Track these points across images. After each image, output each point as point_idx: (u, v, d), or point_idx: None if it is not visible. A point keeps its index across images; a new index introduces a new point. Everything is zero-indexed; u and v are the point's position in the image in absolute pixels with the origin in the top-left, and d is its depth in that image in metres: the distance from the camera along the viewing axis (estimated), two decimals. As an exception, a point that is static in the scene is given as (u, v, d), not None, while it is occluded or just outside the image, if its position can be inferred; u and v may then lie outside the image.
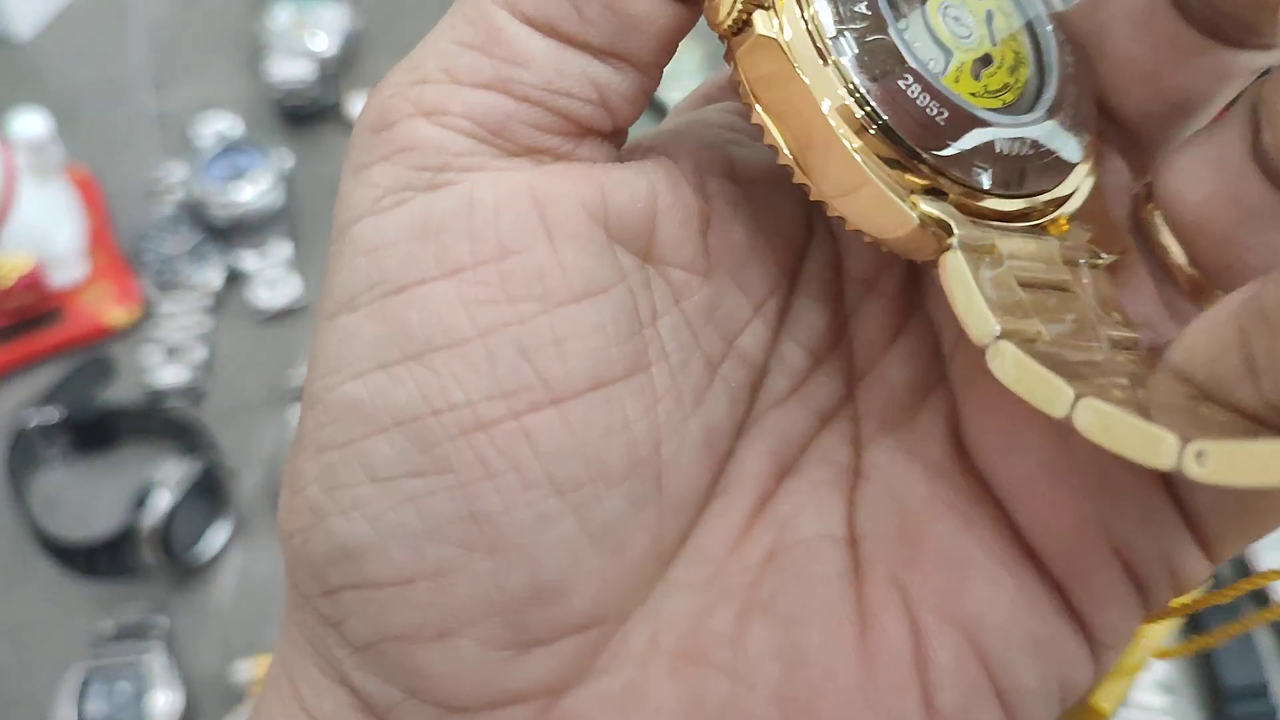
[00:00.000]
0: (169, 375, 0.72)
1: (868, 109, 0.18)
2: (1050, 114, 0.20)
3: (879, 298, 0.22)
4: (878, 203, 0.19)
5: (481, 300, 0.18)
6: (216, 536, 0.66)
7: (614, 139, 0.21)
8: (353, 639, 0.20)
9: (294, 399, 0.71)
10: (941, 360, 0.22)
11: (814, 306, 0.22)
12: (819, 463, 0.22)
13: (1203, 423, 0.16)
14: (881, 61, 0.19)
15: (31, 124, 0.73)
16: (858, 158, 0.19)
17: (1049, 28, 0.21)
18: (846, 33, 0.19)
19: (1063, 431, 0.18)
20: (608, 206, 0.19)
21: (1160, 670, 0.56)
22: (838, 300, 0.23)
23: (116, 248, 0.77)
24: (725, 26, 0.19)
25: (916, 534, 0.20)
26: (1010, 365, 0.17)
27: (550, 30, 0.19)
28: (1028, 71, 0.21)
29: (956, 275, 0.18)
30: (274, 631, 0.66)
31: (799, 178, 0.19)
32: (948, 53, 0.20)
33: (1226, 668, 0.56)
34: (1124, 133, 0.22)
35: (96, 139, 0.82)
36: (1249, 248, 0.20)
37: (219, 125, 0.80)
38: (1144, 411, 0.16)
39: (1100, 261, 0.21)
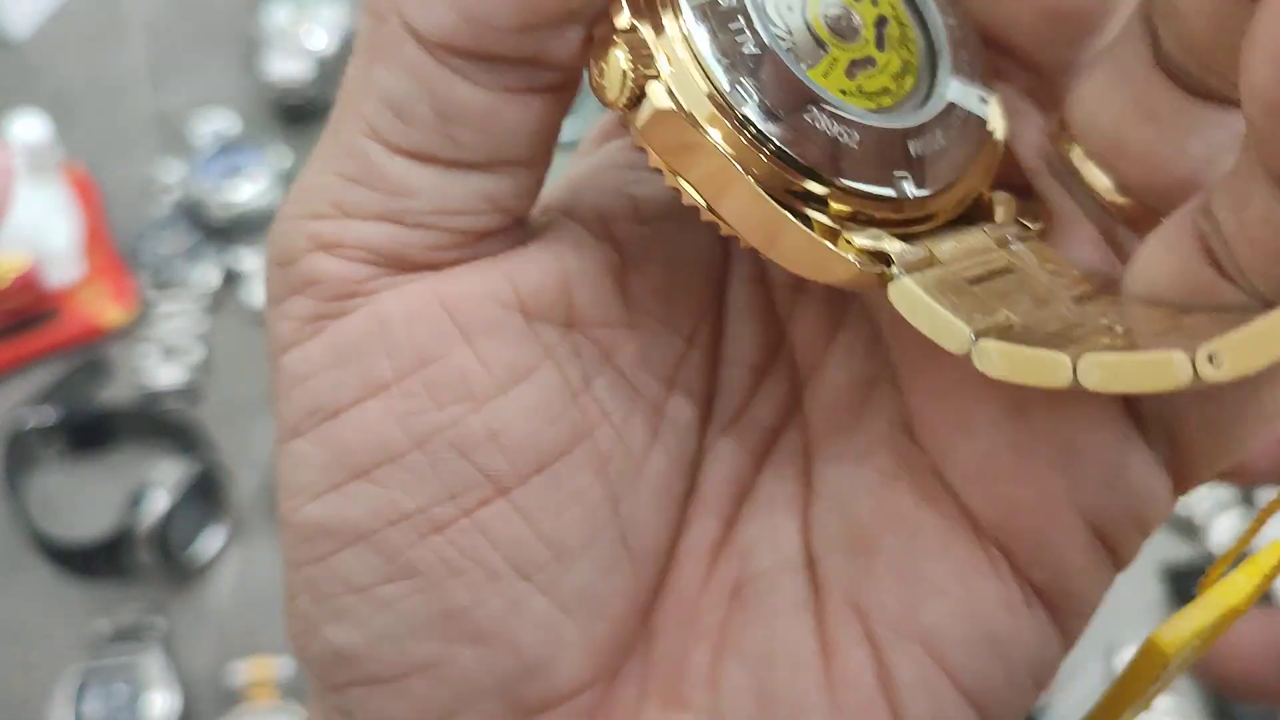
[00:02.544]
0: (166, 375, 0.72)
1: (784, 157, 0.18)
2: (956, 76, 0.20)
3: (811, 299, 0.22)
4: (817, 254, 0.19)
5: (411, 412, 0.19)
6: (213, 538, 0.66)
7: (518, 224, 0.21)
8: None
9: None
10: (884, 349, 0.21)
11: (746, 323, 0.22)
12: (773, 481, 0.22)
13: (1194, 331, 0.16)
14: (784, 98, 0.18)
15: (30, 127, 0.73)
16: (796, 221, 0.18)
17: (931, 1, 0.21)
18: (738, 76, 0.18)
19: (1021, 405, 0.19)
20: (520, 292, 0.20)
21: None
22: (769, 312, 0.23)
23: (113, 247, 0.76)
24: (621, 105, 0.18)
25: (867, 550, 0.20)
26: (998, 359, 0.17)
27: (429, 159, 0.19)
28: (913, 81, 0.20)
29: (912, 300, 0.18)
30: (271, 632, 0.66)
31: (726, 231, 0.19)
32: (822, 48, 0.19)
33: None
34: (1027, 70, 0.21)
35: (93, 138, 0.81)
36: (1171, 159, 0.19)
37: (216, 124, 0.79)
38: (1137, 346, 0.16)
39: (1029, 234, 0.20)
